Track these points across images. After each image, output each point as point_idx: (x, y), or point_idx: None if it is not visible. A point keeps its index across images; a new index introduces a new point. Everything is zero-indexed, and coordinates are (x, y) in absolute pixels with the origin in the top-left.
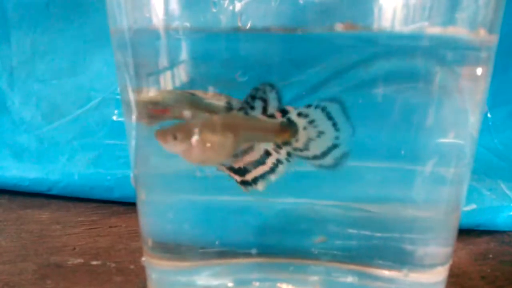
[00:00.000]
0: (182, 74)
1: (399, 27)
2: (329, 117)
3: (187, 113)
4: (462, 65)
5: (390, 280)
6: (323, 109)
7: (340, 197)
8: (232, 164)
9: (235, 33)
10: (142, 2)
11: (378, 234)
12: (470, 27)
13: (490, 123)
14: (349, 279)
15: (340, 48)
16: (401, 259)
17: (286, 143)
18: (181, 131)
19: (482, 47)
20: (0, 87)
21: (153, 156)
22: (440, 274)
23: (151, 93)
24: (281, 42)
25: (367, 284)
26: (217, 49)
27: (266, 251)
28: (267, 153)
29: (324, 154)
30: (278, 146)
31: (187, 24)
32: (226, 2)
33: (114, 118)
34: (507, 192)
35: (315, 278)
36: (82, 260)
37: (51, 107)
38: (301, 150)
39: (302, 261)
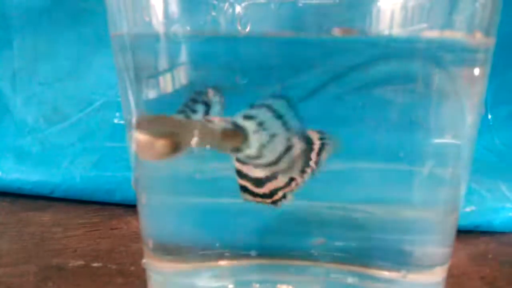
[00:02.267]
0: (182, 77)
1: (396, 31)
2: (278, 116)
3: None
4: (459, 67)
5: (389, 281)
6: (269, 108)
7: (339, 198)
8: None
9: (234, 37)
10: (142, 7)
11: (377, 235)
12: (467, 31)
13: (490, 123)
14: (349, 280)
15: (337, 51)
16: (400, 260)
17: (238, 149)
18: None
19: (479, 49)
20: (2, 90)
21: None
22: (439, 274)
23: (153, 117)
24: (280, 46)
25: (367, 285)
26: (217, 53)
27: (266, 252)
28: (291, 179)
29: (279, 159)
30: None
31: (187, 28)
32: (226, 5)
33: (115, 121)
34: (507, 193)
35: (315, 279)
36: (83, 262)
37: (53, 110)
38: (255, 157)
39: (302, 262)
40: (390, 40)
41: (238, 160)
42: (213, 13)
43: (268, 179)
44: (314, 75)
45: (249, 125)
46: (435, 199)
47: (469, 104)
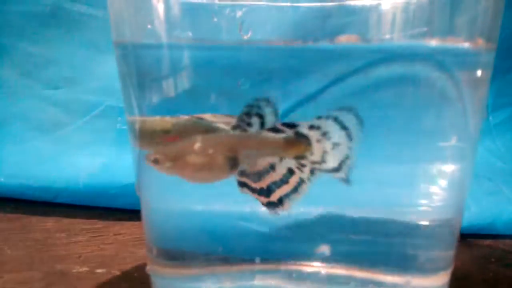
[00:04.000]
0: (184, 83)
1: (399, 38)
2: (343, 127)
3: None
4: (461, 72)
5: (392, 286)
6: (335, 119)
7: (341, 202)
8: (251, 182)
9: (237, 45)
10: (144, 15)
11: (381, 240)
12: (469, 37)
13: (491, 126)
14: (352, 285)
15: (341, 58)
16: (404, 264)
17: (302, 157)
18: (166, 154)
19: (480, 55)
20: (4, 96)
21: None
22: (442, 278)
23: (159, 121)
24: (283, 54)
25: None
26: (220, 60)
27: (269, 258)
28: (290, 172)
29: (341, 165)
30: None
31: (189, 34)
32: (227, 10)
33: (118, 126)
34: (510, 195)
35: (317, 284)
36: (87, 268)
37: (55, 116)
38: (318, 163)
39: (305, 267)
40: (393, 47)
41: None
42: (215, 19)
43: (266, 172)
44: (318, 80)
45: (313, 134)
46: (438, 202)
47: (472, 107)
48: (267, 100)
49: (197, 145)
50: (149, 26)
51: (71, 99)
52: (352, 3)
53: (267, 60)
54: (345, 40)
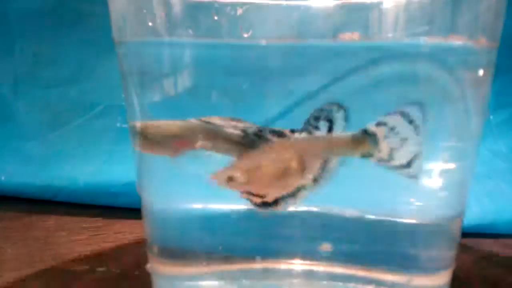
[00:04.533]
0: (186, 82)
1: (400, 36)
2: (410, 121)
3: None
4: (463, 71)
5: (393, 285)
6: (401, 113)
7: (342, 201)
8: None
9: (238, 42)
10: (145, 14)
11: (382, 239)
12: (471, 36)
13: (492, 125)
14: (353, 283)
15: (343, 56)
16: (405, 263)
17: (369, 155)
18: (238, 171)
19: (482, 53)
20: (4, 95)
21: (158, 164)
22: (443, 278)
23: (168, 125)
24: (284, 52)
25: None
26: (221, 58)
27: (270, 256)
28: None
29: (410, 162)
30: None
31: (190, 33)
32: (228, 8)
33: (118, 124)
34: (511, 195)
35: (319, 282)
36: (87, 267)
37: (55, 114)
38: (387, 160)
39: (306, 266)
40: (394, 45)
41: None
42: (216, 17)
43: None
44: (319, 79)
45: (380, 131)
46: (439, 201)
47: (474, 106)
48: (338, 105)
49: (268, 154)
50: (150, 24)
51: (71, 98)
52: (354, 1)
53: (268, 58)
54: (347, 38)
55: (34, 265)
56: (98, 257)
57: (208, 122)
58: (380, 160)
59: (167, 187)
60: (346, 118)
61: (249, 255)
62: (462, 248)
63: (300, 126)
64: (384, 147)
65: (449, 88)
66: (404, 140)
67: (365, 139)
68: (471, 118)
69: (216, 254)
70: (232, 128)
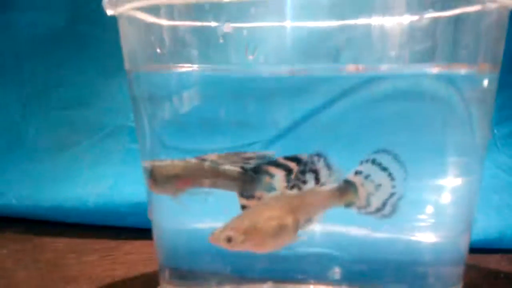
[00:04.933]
0: (196, 108)
1: (405, 67)
2: (383, 168)
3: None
4: (467, 91)
5: None
6: (373, 162)
7: (347, 220)
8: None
9: (247, 74)
10: (155, 43)
11: (388, 258)
12: (473, 63)
13: (496, 138)
14: None
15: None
16: (412, 282)
17: (351, 203)
18: (236, 231)
19: (484, 77)
20: (14, 118)
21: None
22: None
23: (168, 165)
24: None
25: None
26: (228, 85)
27: (278, 277)
28: None
29: (384, 204)
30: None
31: (198, 60)
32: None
33: (127, 145)
34: None
35: None
36: None
37: (64, 136)
38: (364, 207)
39: (313, 285)
40: (399, 76)
41: (242, 195)
42: (221, 40)
43: None
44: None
45: (357, 180)
46: (446, 218)
47: (479, 123)
48: (319, 155)
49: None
50: (158, 51)
51: (80, 119)
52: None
53: (272, 83)
54: (353, 69)
55: (46, 287)
56: (109, 279)
57: (207, 160)
58: (360, 208)
59: (177, 212)
60: (329, 166)
61: (258, 277)
62: (470, 264)
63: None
64: (361, 194)
65: (454, 107)
66: (378, 186)
67: (348, 188)
68: (476, 135)
69: (228, 276)
70: (231, 164)
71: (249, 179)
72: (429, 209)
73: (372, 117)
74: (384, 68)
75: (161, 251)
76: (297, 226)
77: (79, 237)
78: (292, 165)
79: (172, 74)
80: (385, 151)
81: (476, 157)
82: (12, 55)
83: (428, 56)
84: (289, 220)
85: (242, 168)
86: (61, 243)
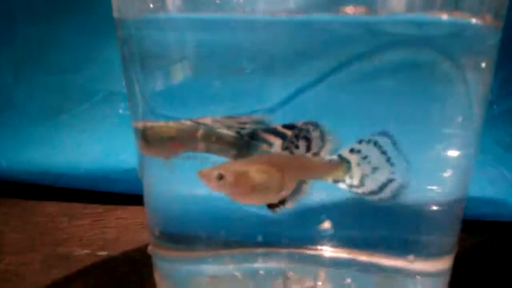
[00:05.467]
0: (188, 66)
1: (406, 11)
2: (382, 151)
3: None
4: (467, 53)
5: (395, 269)
6: (375, 144)
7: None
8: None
9: (241, 20)
10: None
11: (384, 224)
12: (476, 12)
13: (496, 114)
14: (354, 268)
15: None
16: (407, 248)
17: (340, 180)
18: (227, 171)
19: (487, 33)
20: (6, 82)
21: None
22: (445, 263)
23: (162, 127)
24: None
25: (372, 273)
26: (224, 38)
27: (271, 241)
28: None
29: (381, 188)
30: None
31: (193, 12)
32: None
33: (120, 111)
34: None
35: (320, 267)
36: (88, 251)
37: (57, 101)
38: (357, 186)
39: (307, 250)
40: (400, 20)
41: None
42: None
43: None
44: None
45: (353, 159)
46: (442, 188)
47: (477, 92)
48: (314, 124)
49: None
50: (151, 3)
51: (73, 85)
52: None
53: (271, 38)
54: (351, 11)
55: (35, 249)
56: (99, 242)
57: (203, 124)
58: (351, 186)
59: (168, 172)
60: (323, 136)
61: (250, 240)
62: (464, 234)
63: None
64: (356, 174)
65: (452, 74)
66: (375, 169)
67: (340, 165)
68: (474, 105)
69: (218, 238)
70: (227, 129)
71: (244, 144)
72: (425, 178)
73: (370, 88)
74: (384, 11)
75: (152, 213)
76: (281, 186)
77: (70, 201)
78: (290, 133)
79: (164, 24)
80: (386, 134)
81: (474, 128)
82: (4, 18)
83: (431, 2)
84: (276, 177)
85: (238, 133)
86: (52, 207)
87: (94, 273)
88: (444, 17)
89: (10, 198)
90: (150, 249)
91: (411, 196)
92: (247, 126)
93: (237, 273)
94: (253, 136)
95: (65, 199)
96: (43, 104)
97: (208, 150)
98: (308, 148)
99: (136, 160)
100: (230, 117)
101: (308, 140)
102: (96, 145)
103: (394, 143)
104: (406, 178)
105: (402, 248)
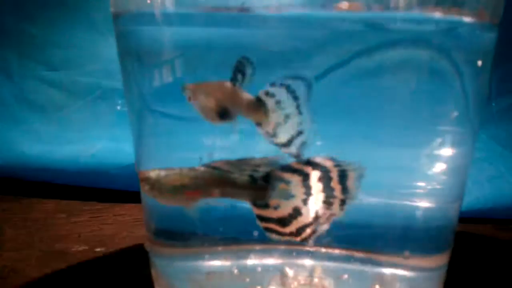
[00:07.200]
0: (184, 62)
1: (402, 8)
2: (295, 97)
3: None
4: (463, 50)
5: (391, 265)
6: (287, 88)
7: None
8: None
9: (242, 16)
10: None
11: (380, 222)
12: (473, 9)
13: (494, 111)
14: (351, 264)
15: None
16: (404, 246)
17: (260, 124)
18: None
19: (484, 30)
20: (4, 78)
21: (157, 145)
22: (441, 260)
23: (175, 174)
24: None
25: (369, 269)
26: (223, 33)
27: (268, 237)
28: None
29: (290, 141)
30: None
31: (192, 7)
32: None
33: (119, 108)
34: (511, 180)
35: (317, 263)
36: (86, 247)
37: (55, 98)
38: (271, 135)
39: (304, 247)
40: (395, 17)
41: (255, 205)
42: None
43: (292, 217)
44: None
45: (270, 103)
46: (438, 186)
47: (473, 88)
48: (248, 60)
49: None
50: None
51: (71, 81)
52: None
53: (269, 35)
54: (347, 7)
55: (33, 245)
56: (97, 238)
57: (216, 168)
58: (267, 134)
59: (165, 167)
60: (253, 73)
61: (247, 236)
62: (464, 234)
63: None
64: (271, 119)
65: (448, 71)
66: (287, 116)
67: (259, 106)
68: (469, 102)
69: (214, 235)
70: (240, 173)
71: (260, 187)
72: (421, 175)
73: (364, 84)
74: (380, 8)
75: (148, 208)
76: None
77: (68, 198)
78: (308, 169)
79: (161, 21)
80: (299, 78)
81: (471, 125)
82: (1, 14)
83: None
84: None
85: (251, 176)
86: (50, 203)
87: (92, 270)
88: (440, 13)
89: (8, 194)
90: (147, 245)
91: (407, 194)
92: (261, 168)
93: (234, 269)
94: (268, 178)
95: (63, 196)
96: (41, 101)
97: (223, 195)
98: (242, 80)
99: (134, 157)
100: (242, 160)
101: (243, 73)
102: (94, 142)
103: (308, 88)
104: (311, 133)
105: (399, 246)
